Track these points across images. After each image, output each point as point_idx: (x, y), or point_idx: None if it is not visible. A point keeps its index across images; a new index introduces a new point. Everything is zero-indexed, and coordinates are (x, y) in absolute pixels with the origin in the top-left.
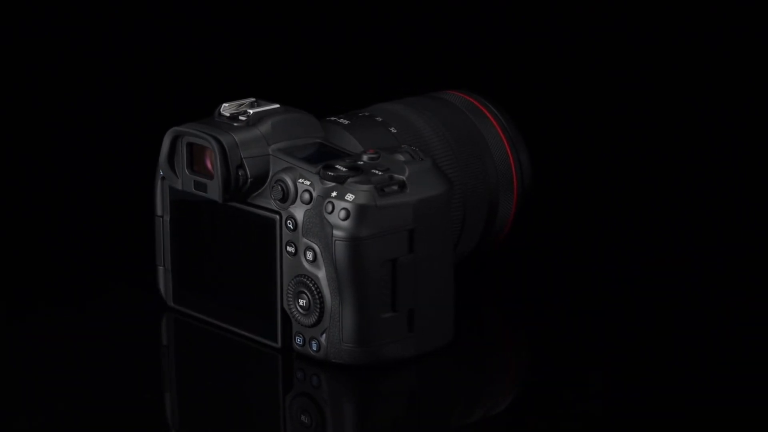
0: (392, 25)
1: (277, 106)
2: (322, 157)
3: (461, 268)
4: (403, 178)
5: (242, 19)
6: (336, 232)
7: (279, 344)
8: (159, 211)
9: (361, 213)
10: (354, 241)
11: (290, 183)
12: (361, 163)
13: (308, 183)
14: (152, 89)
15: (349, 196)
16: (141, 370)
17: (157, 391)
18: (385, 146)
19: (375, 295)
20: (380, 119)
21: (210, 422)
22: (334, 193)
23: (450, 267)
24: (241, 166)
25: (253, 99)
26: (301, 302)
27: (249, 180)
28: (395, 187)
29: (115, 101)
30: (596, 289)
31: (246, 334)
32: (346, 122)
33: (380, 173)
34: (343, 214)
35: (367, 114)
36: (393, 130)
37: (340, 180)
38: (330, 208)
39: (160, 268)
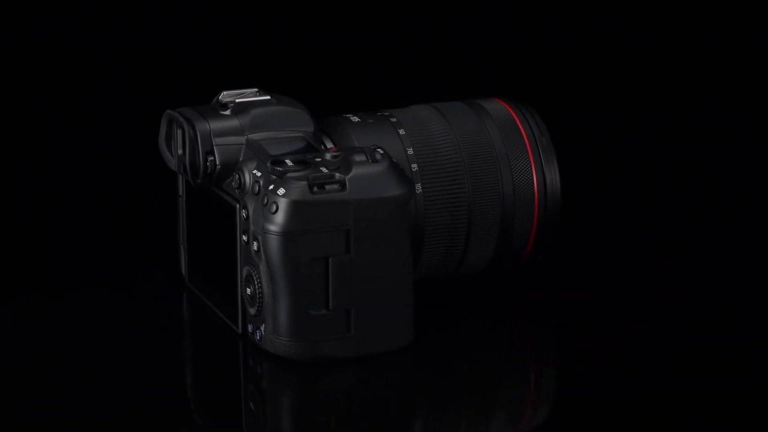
0: (437, 27)
1: (269, 97)
2: (291, 152)
3: (476, 280)
4: (345, 177)
5: (275, 13)
6: (266, 225)
7: (240, 330)
8: (180, 191)
9: (289, 208)
10: (281, 236)
11: (246, 173)
12: (319, 160)
13: (259, 174)
14: (181, 78)
15: (281, 191)
16: (133, 350)
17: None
18: (352, 146)
19: (305, 291)
20: (394, 120)
21: (160, 407)
22: (271, 186)
23: (405, 271)
24: (210, 152)
25: (255, 89)
26: (248, 291)
27: (217, 167)
28: (336, 186)
29: (135, 90)
30: (609, 314)
31: (222, 317)
32: (356, 120)
33: (326, 171)
34: (273, 207)
35: (386, 114)
36: (401, 132)
37: (281, 174)
38: (265, 200)
39: (181, 247)
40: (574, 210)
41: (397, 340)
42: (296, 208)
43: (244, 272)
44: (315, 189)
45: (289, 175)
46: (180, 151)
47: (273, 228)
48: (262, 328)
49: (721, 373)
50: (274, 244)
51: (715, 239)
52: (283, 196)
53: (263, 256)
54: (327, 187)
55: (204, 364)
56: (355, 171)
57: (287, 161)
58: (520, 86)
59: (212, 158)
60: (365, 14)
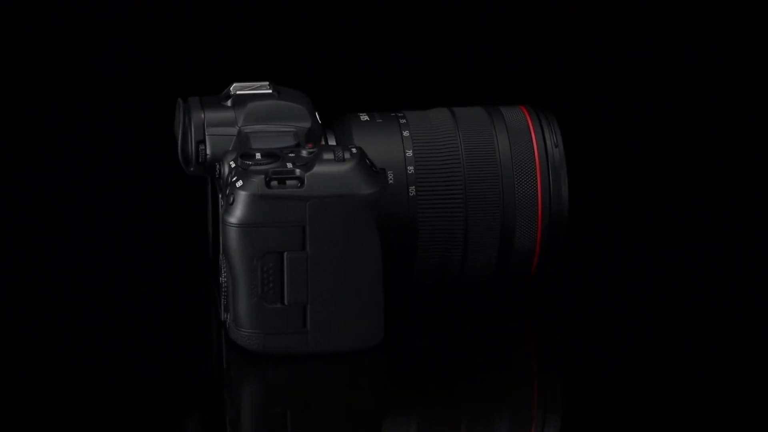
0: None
1: (269, 90)
2: (274, 146)
3: (481, 289)
4: (305, 174)
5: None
6: (224, 216)
7: (222, 318)
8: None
9: (243, 201)
10: (236, 227)
11: (225, 164)
12: (292, 155)
13: (233, 166)
14: (223, 68)
15: (239, 183)
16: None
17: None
18: (330, 143)
19: (260, 284)
20: (404, 121)
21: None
22: (234, 178)
23: (370, 271)
24: (202, 141)
25: (266, 83)
26: (220, 279)
27: (207, 156)
28: (295, 182)
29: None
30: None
31: (218, 303)
32: (365, 119)
33: (289, 166)
34: (231, 199)
35: (399, 115)
36: (405, 133)
37: (245, 167)
38: (227, 191)
39: (209, 231)
40: (588, 222)
41: (361, 339)
42: (250, 201)
43: (220, 261)
44: (272, 183)
45: (251, 168)
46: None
47: (229, 219)
48: (228, 318)
49: (734, 383)
50: (229, 235)
51: (730, 250)
52: (240, 188)
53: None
54: (288, 182)
55: (185, 350)
56: (316, 168)
57: (257, 155)
58: (568, 95)
59: (203, 147)
60: (424, 18)
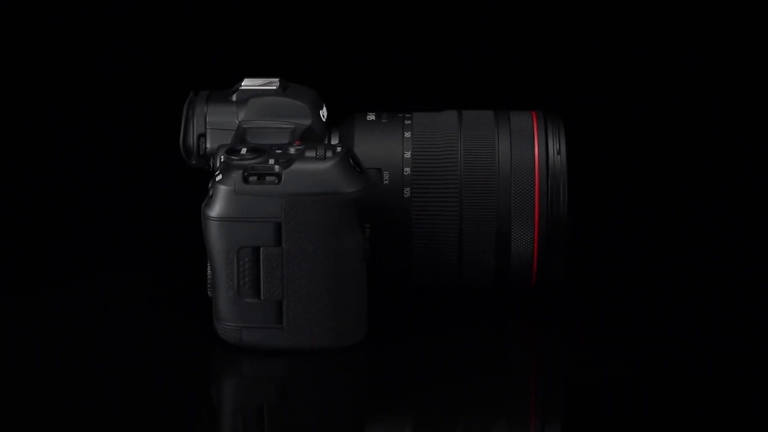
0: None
1: (274, 87)
2: (268, 142)
3: (482, 295)
4: (283, 171)
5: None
6: (204, 209)
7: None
8: None
9: (219, 195)
10: (213, 221)
11: (218, 158)
12: (279, 152)
13: (223, 160)
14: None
15: (219, 177)
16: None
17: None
18: (317, 142)
19: (235, 278)
20: (408, 122)
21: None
22: (217, 172)
23: (351, 269)
24: (203, 134)
25: (277, 79)
26: (207, 273)
27: (207, 149)
28: (273, 178)
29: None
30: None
31: None
32: (371, 118)
33: (271, 163)
34: (210, 192)
35: (407, 116)
36: (407, 134)
37: (230, 161)
38: (210, 184)
39: None
40: (593, 229)
41: (341, 337)
42: (227, 196)
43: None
44: (250, 179)
45: (234, 163)
46: None
47: (207, 213)
48: (214, 311)
49: (736, 390)
50: (207, 228)
51: (734, 256)
52: (219, 182)
53: None
54: (267, 178)
55: (176, 343)
56: (295, 165)
57: (243, 150)
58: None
59: (204, 140)
60: (456, 23)
